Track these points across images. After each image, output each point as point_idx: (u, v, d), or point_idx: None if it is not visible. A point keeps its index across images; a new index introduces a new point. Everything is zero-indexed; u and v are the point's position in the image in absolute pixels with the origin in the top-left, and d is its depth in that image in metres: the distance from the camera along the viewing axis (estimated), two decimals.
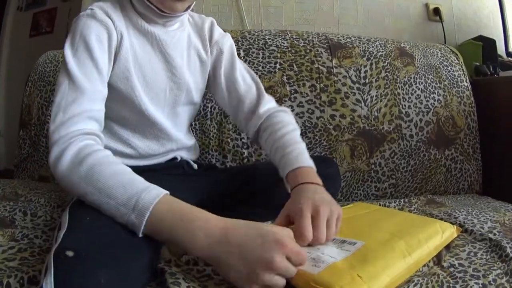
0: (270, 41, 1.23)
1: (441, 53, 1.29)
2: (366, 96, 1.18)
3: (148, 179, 0.56)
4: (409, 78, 1.21)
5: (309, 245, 0.56)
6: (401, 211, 0.88)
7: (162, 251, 0.60)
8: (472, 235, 0.70)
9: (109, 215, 0.53)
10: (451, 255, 0.62)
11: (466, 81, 1.25)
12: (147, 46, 0.76)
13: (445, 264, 0.59)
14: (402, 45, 1.29)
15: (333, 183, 0.84)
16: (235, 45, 0.92)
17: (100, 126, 0.66)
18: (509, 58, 1.67)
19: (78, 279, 0.41)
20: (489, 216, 0.79)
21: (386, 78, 1.21)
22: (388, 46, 1.27)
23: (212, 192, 0.82)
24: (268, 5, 1.65)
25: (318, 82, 1.18)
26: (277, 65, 1.19)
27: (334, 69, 1.20)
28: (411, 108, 1.18)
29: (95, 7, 0.71)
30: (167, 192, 0.55)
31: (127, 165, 0.58)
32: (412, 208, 0.91)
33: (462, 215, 0.81)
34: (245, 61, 1.16)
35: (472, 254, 0.63)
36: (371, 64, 1.22)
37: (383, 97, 1.19)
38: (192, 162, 0.89)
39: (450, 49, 1.33)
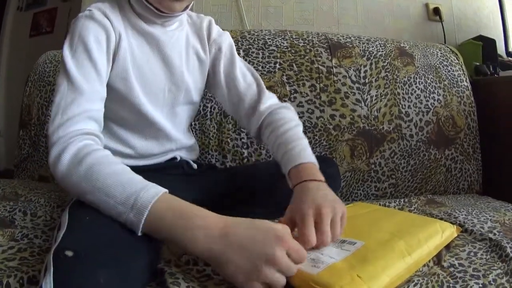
0: (270, 41, 1.23)
1: (441, 53, 1.29)
2: (366, 96, 1.18)
3: (148, 179, 0.56)
4: (409, 78, 1.21)
5: (313, 247, 0.56)
6: (401, 211, 0.88)
7: (162, 251, 0.60)
8: (472, 235, 0.70)
9: (108, 214, 0.53)
10: (451, 255, 0.62)
11: (466, 81, 1.24)
12: (145, 47, 0.76)
13: (445, 264, 0.59)
14: (402, 45, 1.29)
15: (333, 183, 0.83)
16: (235, 45, 0.92)
17: (100, 126, 0.66)
18: (509, 58, 1.67)
19: (77, 279, 0.41)
20: (489, 216, 0.79)
21: (386, 78, 1.21)
22: (388, 46, 1.27)
23: (212, 192, 0.82)
24: (268, 5, 1.65)
25: (318, 82, 1.18)
26: (277, 65, 1.19)
27: (334, 69, 1.20)
28: (411, 108, 1.18)
29: (93, 8, 0.71)
30: (166, 190, 0.54)
31: (127, 165, 0.58)
32: (412, 208, 0.91)
33: (462, 215, 0.81)
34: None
35: (472, 254, 0.63)
36: (371, 64, 1.22)
37: (383, 97, 1.19)
38: (191, 162, 0.89)
39: (450, 49, 1.33)
